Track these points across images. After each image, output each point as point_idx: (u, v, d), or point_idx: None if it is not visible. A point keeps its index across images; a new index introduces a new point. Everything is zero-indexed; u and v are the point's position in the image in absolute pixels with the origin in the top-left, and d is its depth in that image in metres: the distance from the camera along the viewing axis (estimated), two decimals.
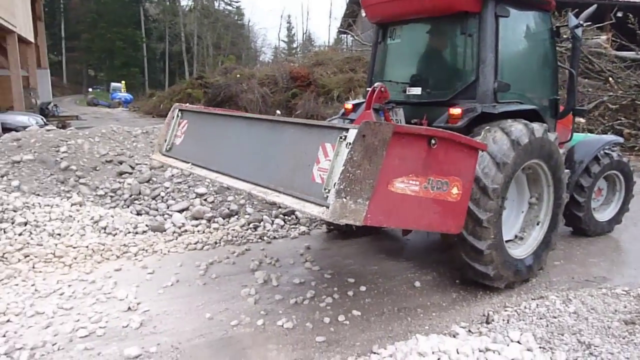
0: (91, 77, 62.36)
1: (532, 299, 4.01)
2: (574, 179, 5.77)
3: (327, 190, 2.79)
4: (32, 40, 21.11)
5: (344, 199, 2.67)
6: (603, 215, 6.29)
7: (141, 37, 58.30)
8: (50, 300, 4.11)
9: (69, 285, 4.40)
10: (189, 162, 4.36)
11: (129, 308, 3.99)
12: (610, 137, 6.40)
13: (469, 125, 4.35)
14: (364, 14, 5.41)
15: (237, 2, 68.03)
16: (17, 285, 4.38)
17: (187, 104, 4.99)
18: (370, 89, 4.89)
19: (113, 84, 45.99)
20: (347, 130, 2.82)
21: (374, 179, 2.70)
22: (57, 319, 3.80)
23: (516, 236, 4.76)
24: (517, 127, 4.23)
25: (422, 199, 2.93)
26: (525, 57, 5.07)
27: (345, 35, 36.91)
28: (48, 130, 7.78)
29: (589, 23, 15.96)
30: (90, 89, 50.69)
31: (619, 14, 17.31)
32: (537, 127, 4.37)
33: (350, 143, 2.71)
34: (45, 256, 4.94)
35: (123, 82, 46.10)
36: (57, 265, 4.84)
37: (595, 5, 5.36)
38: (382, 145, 2.70)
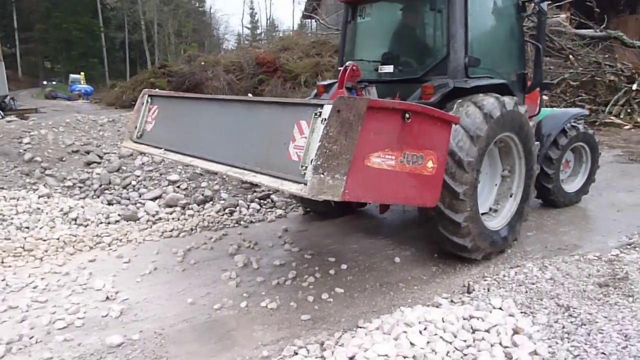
0: (48, 69, 60.00)
1: (510, 268, 4.11)
2: (543, 151, 5.91)
3: (304, 167, 2.78)
4: None
5: (322, 175, 2.66)
6: (571, 186, 6.48)
7: (99, 27, 56.31)
8: (23, 294, 3.97)
9: (42, 279, 4.25)
10: (161, 148, 4.27)
11: (107, 297, 3.90)
12: (576, 110, 6.60)
13: (442, 101, 4.39)
14: None
15: None
16: None
17: (157, 90, 4.86)
18: (342, 69, 4.87)
19: (72, 76, 44.38)
20: (321, 106, 2.81)
21: (351, 154, 2.70)
22: (32, 312, 3.68)
23: (490, 209, 4.86)
24: (489, 101, 4.29)
25: (398, 173, 2.95)
26: (493, 32, 5.13)
27: (310, 20, 36.64)
28: (9, 121, 7.45)
29: (549, 2, 16.35)
30: (45, 82, 47.93)
31: None
32: (508, 101, 4.45)
33: (325, 119, 2.71)
34: (14, 250, 4.76)
35: (82, 73, 44.57)
36: (28, 259, 4.67)
37: None
38: (358, 119, 2.69)
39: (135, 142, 4.61)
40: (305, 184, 2.72)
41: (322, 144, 2.66)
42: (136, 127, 4.61)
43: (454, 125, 4.06)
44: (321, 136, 2.67)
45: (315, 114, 2.79)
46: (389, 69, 5.00)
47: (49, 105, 29.71)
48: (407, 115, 2.88)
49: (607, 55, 16.43)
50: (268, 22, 63.24)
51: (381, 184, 2.89)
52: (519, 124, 4.57)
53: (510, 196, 4.87)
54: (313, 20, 32.76)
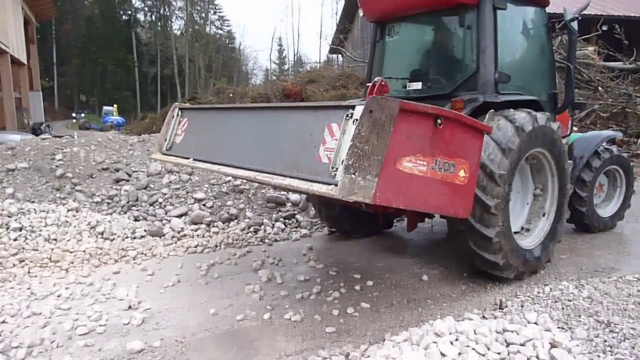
0: (83, 102, 62.36)
1: (544, 285, 3.92)
2: (576, 173, 5.75)
3: (334, 169, 2.73)
4: (25, 62, 21.10)
5: (353, 175, 2.61)
6: (605, 211, 6.25)
7: (133, 61, 58.55)
8: (47, 301, 3.97)
9: (66, 288, 4.26)
10: (189, 158, 4.28)
11: (130, 306, 3.86)
12: (609, 132, 6.43)
13: (471, 115, 4.32)
14: (361, 14, 5.41)
15: (228, 26, 68.95)
16: (12, 288, 4.25)
17: (187, 103, 4.93)
18: (370, 84, 4.87)
19: (105, 108, 45.92)
20: (353, 107, 2.78)
21: (382, 155, 2.64)
22: (54, 318, 3.67)
23: (522, 228, 4.70)
24: (521, 115, 4.22)
25: (430, 179, 2.87)
26: (523, 50, 5.09)
27: (336, 55, 37.32)
28: (43, 139, 7.68)
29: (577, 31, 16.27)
30: (74, 114, 47.97)
31: (604, 27, 17.63)
32: (540, 116, 4.36)
33: (357, 119, 2.68)
34: (41, 261, 4.81)
35: (115, 105, 46.10)
36: (54, 270, 4.71)
37: (589, 1, 5.42)
38: (390, 120, 2.65)
39: (165, 154, 4.63)
40: (336, 185, 2.67)
41: (354, 144, 2.61)
42: (166, 139, 4.64)
43: (485, 137, 4.01)
44: (353, 136, 2.63)
45: (347, 116, 2.76)
46: (418, 85, 4.98)
47: (82, 136, 30.70)
48: (439, 121, 2.82)
49: (637, 87, 16.15)
50: (295, 57, 64.67)
51: (412, 189, 2.81)
52: (551, 140, 4.45)
53: (543, 215, 4.71)
54: (339, 55, 33.37)
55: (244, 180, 6.94)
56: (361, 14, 5.55)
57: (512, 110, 4.30)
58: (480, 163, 3.89)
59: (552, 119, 5.22)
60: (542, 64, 5.29)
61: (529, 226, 4.71)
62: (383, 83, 4.79)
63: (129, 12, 59.82)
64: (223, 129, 4.06)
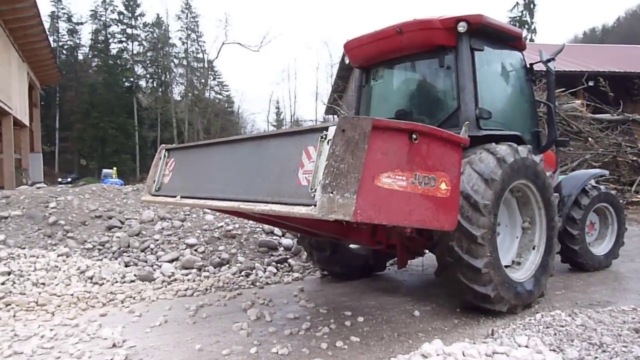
0: (83, 166, 63.06)
1: (535, 312, 3.86)
2: (565, 211, 5.79)
3: (313, 190, 2.75)
4: (27, 124, 21.61)
5: (331, 194, 2.64)
6: (599, 249, 6.24)
7: (133, 125, 59.78)
8: (30, 342, 3.87)
9: (51, 329, 4.15)
10: (176, 196, 4.31)
11: (114, 344, 3.76)
12: (596, 170, 6.54)
13: None
14: (347, 61, 5.66)
15: (227, 91, 71.02)
16: None
17: (174, 144, 5.00)
18: None
19: (104, 170, 46.36)
20: (327, 129, 2.84)
21: (359, 172, 2.69)
22: (36, 357, 3.57)
23: (513, 261, 4.68)
24: (502, 147, 4.32)
25: (410, 194, 2.91)
26: (502, 89, 5.29)
27: (332, 115, 38.28)
28: (38, 187, 7.74)
29: (563, 89, 16.87)
30: (59, 179, 43.63)
31: (591, 83, 18.25)
32: (521, 149, 4.46)
33: (331, 139, 2.73)
34: (28, 304, 4.73)
35: (114, 168, 46.60)
36: (40, 313, 4.62)
37: (564, 44, 5.70)
38: (363, 138, 2.71)
39: (153, 195, 4.65)
40: (315, 205, 2.70)
41: (329, 163, 2.66)
42: (154, 181, 4.65)
43: (468, 169, 4.09)
44: (328, 155, 2.68)
45: (321, 138, 2.82)
46: None
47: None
48: (414, 136, 2.90)
49: (626, 137, 16.51)
50: (292, 118, 66.24)
51: (393, 205, 2.85)
52: (534, 172, 4.53)
53: (533, 248, 4.71)
54: (335, 115, 34.23)
55: (235, 225, 6.96)
56: (347, 61, 5.79)
57: (493, 144, 4.41)
58: (465, 194, 3.97)
59: (534, 152, 5.35)
60: (522, 103, 5.49)
61: (520, 259, 4.69)
62: None
63: (132, 79, 61.81)
64: (207, 164, 4.10)
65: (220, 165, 3.89)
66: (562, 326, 3.42)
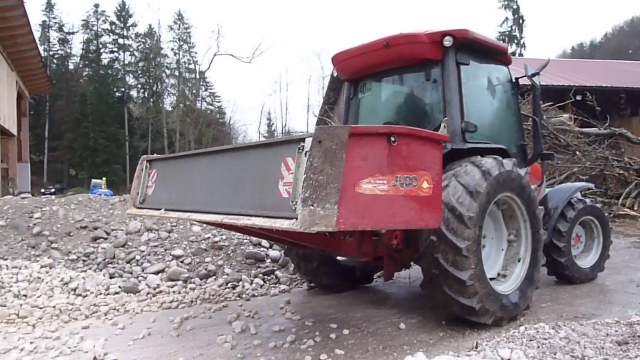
0: (72, 176, 62.53)
1: (519, 325, 3.86)
2: (551, 224, 5.82)
3: (294, 203, 2.73)
4: (15, 133, 21.43)
5: (312, 207, 2.62)
6: (585, 262, 6.26)
7: (124, 135, 59.52)
8: (10, 355, 3.82)
9: (31, 342, 4.10)
10: (161, 209, 4.25)
11: (95, 358, 3.73)
12: (581, 183, 6.60)
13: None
14: (335, 73, 5.69)
15: (219, 101, 71.03)
16: None
17: (155, 154, 4.91)
18: None
19: (94, 181, 45.93)
20: (303, 140, 2.81)
21: (339, 182, 2.67)
22: None
23: (499, 274, 4.69)
24: (487, 160, 4.35)
25: (393, 197, 2.90)
26: (488, 103, 5.34)
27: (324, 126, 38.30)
28: (23, 197, 7.66)
29: (551, 103, 17.09)
30: (42, 190, 39.44)
31: (578, 97, 18.48)
32: (506, 161, 4.49)
33: (308, 151, 2.71)
34: (8, 317, 4.66)
35: (104, 178, 46.26)
36: (20, 326, 4.55)
37: (549, 59, 5.78)
38: (341, 147, 2.70)
39: (138, 208, 4.57)
40: (297, 218, 2.68)
41: (308, 175, 2.63)
42: (138, 193, 4.58)
43: (453, 181, 4.11)
44: (306, 168, 2.66)
45: (299, 149, 2.79)
46: None
47: None
48: (392, 138, 2.90)
49: (613, 151, 16.70)
50: (284, 129, 66.34)
51: (376, 209, 2.84)
52: (519, 185, 4.56)
53: (519, 261, 4.72)
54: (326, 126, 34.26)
55: (222, 237, 6.92)
56: (335, 74, 5.82)
57: (479, 156, 4.44)
58: (450, 206, 3.99)
59: (519, 165, 5.39)
60: (508, 117, 5.54)
61: (505, 272, 4.70)
62: None
63: (123, 89, 61.65)
64: (190, 175, 4.04)
65: (202, 177, 3.86)
66: (546, 339, 3.42)
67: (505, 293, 4.40)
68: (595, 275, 6.26)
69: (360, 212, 2.76)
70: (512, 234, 4.79)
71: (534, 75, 5.43)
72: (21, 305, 4.85)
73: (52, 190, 40.59)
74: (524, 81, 5.69)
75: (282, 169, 2.90)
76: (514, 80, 5.61)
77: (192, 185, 3.95)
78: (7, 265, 5.44)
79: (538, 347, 3.31)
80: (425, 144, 3.15)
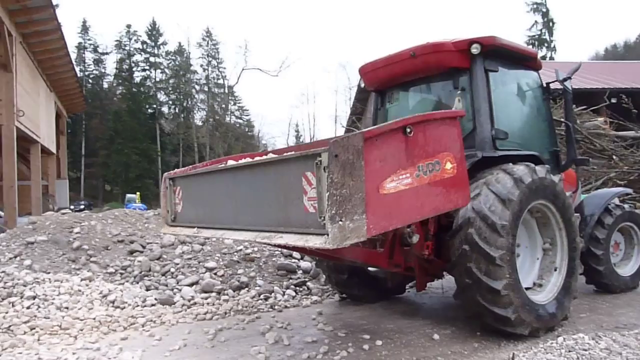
0: (107, 191, 64.28)
1: (557, 336, 3.77)
2: (588, 231, 5.69)
3: (322, 218, 2.70)
4: (54, 152, 22.25)
5: (340, 222, 2.60)
6: (625, 270, 6.09)
7: (156, 151, 60.93)
8: None
9: (73, 353, 4.23)
10: (194, 227, 4.25)
11: None
12: (619, 189, 6.43)
13: (470, 171, 4.40)
14: (362, 84, 5.73)
15: (247, 115, 72.02)
16: (20, 354, 4.23)
17: (175, 170, 4.89)
18: None
19: (128, 195, 47.22)
20: (319, 154, 2.74)
21: (362, 192, 2.66)
22: None
23: (534, 283, 4.61)
24: (519, 168, 4.30)
25: (418, 187, 2.89)
26: (518, 109, 5.28)
27: None
28: (63, 213, 7.95)
29: (585, 107, 16.67)
30: (72, 207, 36.76)
31: (613, 100, 17.98)
32: (539, 168, 4.43)
33: (326, 167, 2.66)
34: (51, 328, 4.82)
35: (138, 193, 47.42)
36: (63, 337, 4.69)
37: (580, 62, 5.68)
38: (358, 155, 2.67)
39: (171, 226, 4.58)
40: (328, 235, 2.64)
41: (331, 192, 2.60)
42: (168, 211, 4.59)
43: (484, 189, 4.07)
44: (327, 185, 2.62)
45: (317, 163, 2.73)
46: None
47: None
48: (408, 130, 2.89)
49: None
50: (312, 140, 66.67)
51: (403, 205, 2.83)
52: (553, 192, 4.48)
53: (555, 270, 4.63)
54: None
55: (254, 249, 7.00)
56: (362, 85, 5.84)
57: (510, 164, 4.39)
58: (482, 214, 3.95)
59: (552, 172, 5.29)
60: (539, 123, 5.46)
61: (541, 282, 4.62)
62: None
63: (154, 106, 63.26)
64: (213, 191, 3.99)
65: (226, 193, 3.77)
66: (585, 350, 3.34)
67: (542, 303, 4.31)
68: (636, 284, 6.08)
69: (388, 212, 2.75)
70: (547, 242, 4.70)
71: (565, 79, 5.34)
72: (63, 317, 5.01)
73: (81, 206, 40.25)
74: (555, 86, 5.62)
75: (303, 183, 2.85)
76: (544, 85, 5.54)
77: (218, 201, 3.89)
78: (49, 279, 5.64)
79: (577, 358, 3.24)
80: (441, 124, 3.13)
